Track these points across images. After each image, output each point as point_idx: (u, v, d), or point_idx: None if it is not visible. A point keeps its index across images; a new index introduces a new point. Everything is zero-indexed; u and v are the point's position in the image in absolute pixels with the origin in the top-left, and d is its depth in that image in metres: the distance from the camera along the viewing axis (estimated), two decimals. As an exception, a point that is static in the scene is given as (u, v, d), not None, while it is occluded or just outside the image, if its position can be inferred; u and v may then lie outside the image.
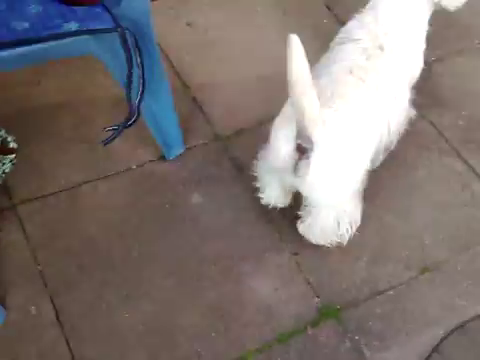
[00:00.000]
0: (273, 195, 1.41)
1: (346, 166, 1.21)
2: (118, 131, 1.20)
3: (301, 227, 1.37)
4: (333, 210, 1.31)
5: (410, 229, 1.44)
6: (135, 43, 1.15)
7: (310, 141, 1.15)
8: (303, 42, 1.85)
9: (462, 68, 1.79)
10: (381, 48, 1.30)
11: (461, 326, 1.28)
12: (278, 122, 1.24)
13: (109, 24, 1.14)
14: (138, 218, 1.40)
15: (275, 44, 1.75)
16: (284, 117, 1.22)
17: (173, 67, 1.70)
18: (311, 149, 1.16)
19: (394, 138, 1.40)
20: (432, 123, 1.64)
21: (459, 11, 1.88)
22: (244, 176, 1.47)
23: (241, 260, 1.35)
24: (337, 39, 1.39)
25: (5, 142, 1.42)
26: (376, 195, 1.46)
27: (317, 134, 1.14)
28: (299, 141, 1.17)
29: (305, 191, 1.27)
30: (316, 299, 1.30)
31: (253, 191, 1.42)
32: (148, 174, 1.47)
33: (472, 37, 1.86)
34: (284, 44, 1.76)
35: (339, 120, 1.17)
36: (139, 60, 1.15)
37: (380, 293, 1.32)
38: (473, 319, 1.29)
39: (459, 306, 1.31)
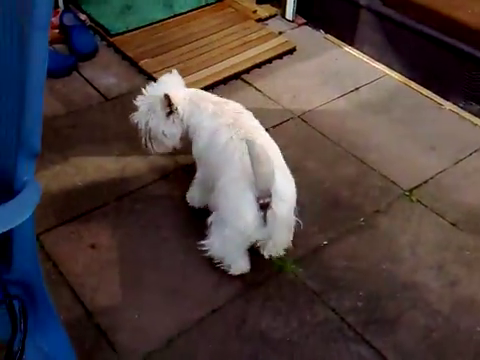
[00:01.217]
0: (243, 263, 1.83)
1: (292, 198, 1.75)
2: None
3: (266, 253, 1.87)
4: (288, 229, 1.82)
5: None
6: (22, 307, 1.21)
7: (269, 194, 1.62)
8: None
9: (353, 248, 1.95)
10: None
11: None
12: (237, 201, 1.68)
13: (-3, 294, 1.19)
14: None
15: (174, 249, 1.89)
16: (239, 193, 1.67)
17: (75, 295, 1.73)
18: (271, 200, 1.62)
19: None
20: (333, 309, 1.75)
21: (343, 192, 2.13)
22: None
23: None
24: None
25: None
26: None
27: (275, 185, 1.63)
28: (261, 201, 1.63)
29: (275, 232, 1.72)
30: None
31: None
32: None
33: (357, 216, 2.05)
34: (194, 257, 1.88)
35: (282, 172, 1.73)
36: (22, 327, 1.17)
37: None
38: None
39: None
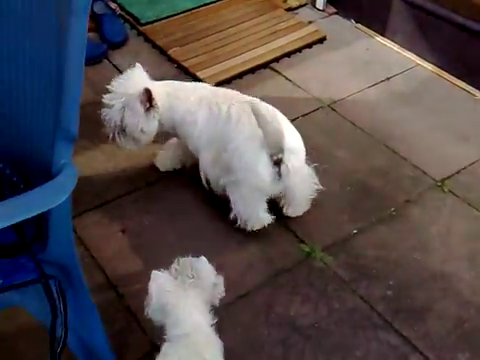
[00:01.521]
0: (264, 216, 1.88)
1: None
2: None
3: (290, 211, 1.95)
4: (307, 183, 1.91)
5: None
6: (59, 289, 1.24)
7: (281, 150, 1.74)
8: (234, 231, 1.99)
9: (383, 237, 1.94)
10: None
11: None
12: (252, 160, 1.78)
13: (33, 274, 1.21)
14: None
15: (212, 244, 1.92)
16: (253, 152, 1.77)
17: (107, 278, 1.78)
18: (283, 156, 1.74)
19: None
20: (362, 297, 1.75)
21: (373, 181, 2.12)
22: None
23: None
24: None
25: None
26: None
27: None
28: (274, 158, 1.75)
29: (291, 185, 1.83)
30: None
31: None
32: None
33: (388, 205, 2.04)
34: (223, 243, 1.90)
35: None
36: (62, 307, 1.20)
37: None
38: None
39: None
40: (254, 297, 1.76)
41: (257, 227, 1.90)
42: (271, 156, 1.75)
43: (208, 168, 1.94)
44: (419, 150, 2.27)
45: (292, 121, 2.39)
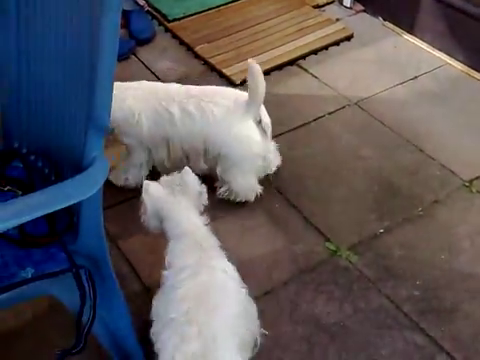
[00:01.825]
0: (257, 184, 2.01)
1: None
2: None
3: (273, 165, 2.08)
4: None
5: None
6: (89, 277, 1.26)
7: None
8: (258, 227, 2.02)
9: (410, 237, 1.93)
10: None
11: None
12: (242, 125, 1.89)
13: (64, 263, 1.24)
14: None
15: (232, 230, 1.93)
16: (241, 119, 1.89)
17: (134, 271, 1.80)
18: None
19: None
20: (388, 297, 1.74)
21: (401, 180, 2.11)
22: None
23: None
24: None
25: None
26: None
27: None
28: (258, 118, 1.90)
29: (268, 145, 1.98)
30: None
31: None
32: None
33: (416, 205, 2.03)
34: (240, 230, 1.92)
35: None
36: (91, 294, 1.23)
37: None
38: None
39: None
40: (279, 294, 1.76)
41: (251, 197, 2.01)
42: (254, 118, 1.92)
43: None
44: (447, 150, 2.25)
45: (318, 119, 2.43)
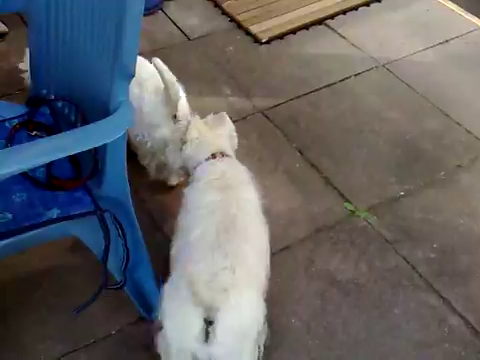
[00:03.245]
0: None
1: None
2: (92, 299, 1.31)
3: None
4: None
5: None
6: (114, 220, 1.32)
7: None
8: (278, 186, 2.04)
9: (430, 200, 1.95)
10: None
11: None
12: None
13: (89, 207, 1.30)
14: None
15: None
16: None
17: (153, 221, 1.85)
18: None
19: None
20: (405, 258, 1.77)
21: (424, 144, 2.12)
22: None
23: None
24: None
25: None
26: (356, 340, 1.57)
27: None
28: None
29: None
30: None
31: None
32: (127, 339, 1.56)
33: (438, 169, 2.04)
34: (259, 187, 1.95)
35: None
36: (120, 233, 1.30)
37: None
38: None
39: None
40: (296, 250, 1.80)
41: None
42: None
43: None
44: (473, 116, 2.24)
45: (344, 80, 2.42)
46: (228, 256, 1.24)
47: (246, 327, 1.25)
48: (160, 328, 1.27)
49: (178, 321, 1.24)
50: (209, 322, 1.21)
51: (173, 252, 1.40)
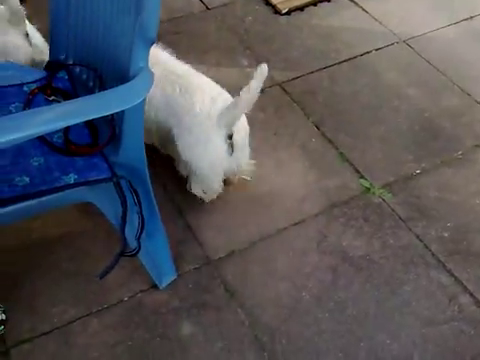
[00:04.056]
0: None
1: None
2: (112, 264, 1.34)
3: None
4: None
5: (401, 349, 1.53)
6: (130, 186, 1.33)
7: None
8: (293, 161, 2.04)
9: (447, 179, 1.94)
10: None
11: None
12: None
13: (106, 173, 1.31)
14: (128, 355, 1.49)
15: (266, 162, 1.97)
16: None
17: (167, 193, 1.87)
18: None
19: None
20: (418, 236, 1.78)
21: (443, 122, 2.10)
22: (235, 301, 1.60)
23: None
24: None
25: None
26: (366, 315, 1.59)
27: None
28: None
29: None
30: None
31: (244, 316, 1.55)
32: (140, 305, 1.59)
33: (456, 148, 2.03)
34: (274, 162, 1.95)
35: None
36: (136, 199, 1.32)
37: None
38: None
39: None
40: (308, 225, 1.82)
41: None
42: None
43: None
44: (495, 95, 2.22)
45: (364, 54, 2.40)
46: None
47: (246, 129, 1.78)
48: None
49: (209, 145, 1.71)
50: (229, 136, 1.70)
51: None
